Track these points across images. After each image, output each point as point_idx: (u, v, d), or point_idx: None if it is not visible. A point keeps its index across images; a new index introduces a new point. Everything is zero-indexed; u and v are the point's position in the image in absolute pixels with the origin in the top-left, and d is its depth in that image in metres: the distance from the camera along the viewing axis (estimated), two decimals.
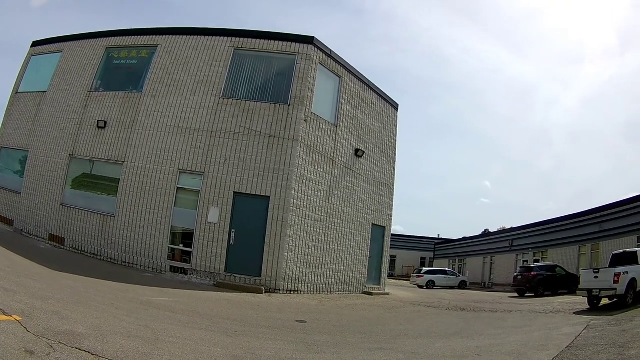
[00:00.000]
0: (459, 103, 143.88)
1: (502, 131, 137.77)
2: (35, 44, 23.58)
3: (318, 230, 17.62)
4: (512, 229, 49.90)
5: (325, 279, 17.98)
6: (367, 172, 20.56)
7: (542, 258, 38.75)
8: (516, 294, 28.48)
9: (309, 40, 17.82)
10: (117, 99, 18.84)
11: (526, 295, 27.34)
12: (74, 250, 17.79)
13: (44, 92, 21.31)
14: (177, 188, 16.98)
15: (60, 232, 18.38)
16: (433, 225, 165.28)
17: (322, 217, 17.86)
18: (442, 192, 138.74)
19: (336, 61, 19.00)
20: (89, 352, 5.50)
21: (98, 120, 18.68)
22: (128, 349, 6.04)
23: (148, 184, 17.16)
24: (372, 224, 20.99)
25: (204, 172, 16.67)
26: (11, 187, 21.27)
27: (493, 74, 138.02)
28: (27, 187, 20.25)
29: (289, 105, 16.96)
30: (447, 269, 47.29)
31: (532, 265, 30.81)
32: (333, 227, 18.45)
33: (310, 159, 17.23)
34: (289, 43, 17.75)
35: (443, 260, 62.33)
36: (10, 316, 6.27)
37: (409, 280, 43.74)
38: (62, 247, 18.08)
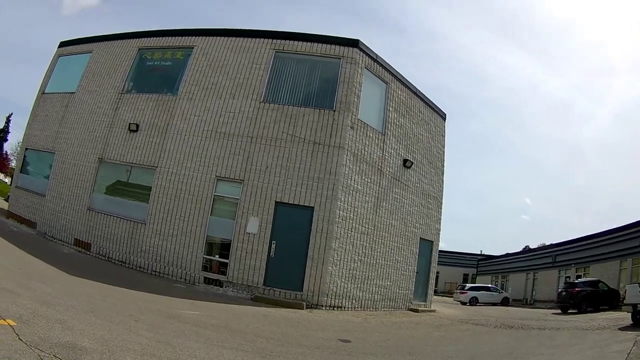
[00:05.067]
0: (498, 120, 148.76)
1: (539, 147, 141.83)
2: (63, 44, 24.03)
3: (364, 243, 17.38)
4: (553, 245, 50.38)
5: (370, 295, 17.70)
6: (415, 184, 20.34)
7: (584, 274, 38.83)
8: (559, 311, 28.60)
9: (353, 43, 17.70)
10: (150, 101, 18.99)
11: (569, 311, 27.32)
12: (100, 257, 17.87)
13: (72, 93, 21.63)
14: (214, 196, 16.88)
15: (87, 237, 18.51)
16: (474, 242, 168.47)
17: (369, 230, 17.62)
18: (482, 208, 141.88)
19: (382, 66, 18.92)
20: None
21: (130, 123, 18.80)
22: None
23: (183, 190, 17.11)
24: (420, 238, 20.73)
25: (243, 180, 16.56)
26: (35, 189, 21.58)
27: (529, 91, 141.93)
28: (52, 190, 20.48)
29: (334, 111, 16.82)
30: (489, 285, 47.59)
31: (576, 281, 30.94)
32: (380, 240, 18.20)
33: (357, 168, 17.07)
34: (333, 46, 17.66)
35: (486, 276, 62.94)
36: (4, 320, 6.05)
37: (452, 297, 44.09)
38: (88, 252, 18.13)
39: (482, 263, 68.39)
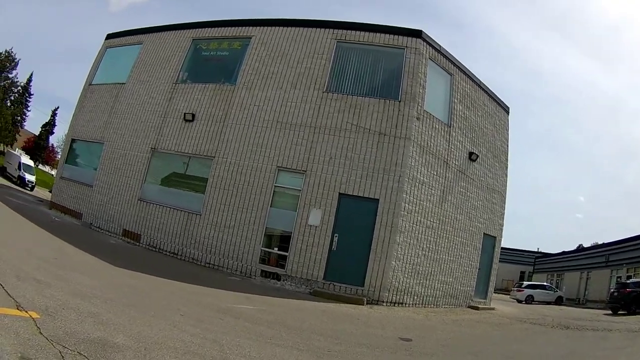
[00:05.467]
0: (551, 116, 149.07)
1: (593, 145, 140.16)
2: (110, 36, 24.00)
3: (429, 237, 16.64)
4: (605, 244, 49.42)
5: (432, 291, 16.96)
6: (480, 178, 19.53)
7: (634, 274, 37.91)
8: (610, 311, 27.82)
9: (417, 33, 17.12)
10: (206, 91, 18.63)
11: (619, 312, 26.56)
12: (150, 248, 17.67)
13: (122, 84, 21.46)
14: (275, 187, 16.45)
15: (136, 228, 18.33)
16: (528, 239, 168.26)
17: (434, 224, 16.88)
18: (536, 205, 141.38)
19: (446, 57, 18.22)
20: None
21: (185, 113, 18.51)
22: None
23: (241, 181, 16.75)
24: (484, 233, 19.89)
25: (305, 171, 16.08)
26: (81, 180, 21.51)
27: (583, 87, 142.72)
28: (100, 180, 20.34)
29: (399, 102, 16.20)
30: (545, 283, 47.00)
31: (628, 282, 29.92)
32: (445, 235, 17.44)
33: (423, 160, 16.35)
34: (396, 36, 17.13)
35: (542, 274, 62.20)
36: (25, 312, 5.53)
37: (509, 294, 43.65)
38: (137, 243, 17.98)
39: (539, 261, 67.65)
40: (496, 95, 20.96)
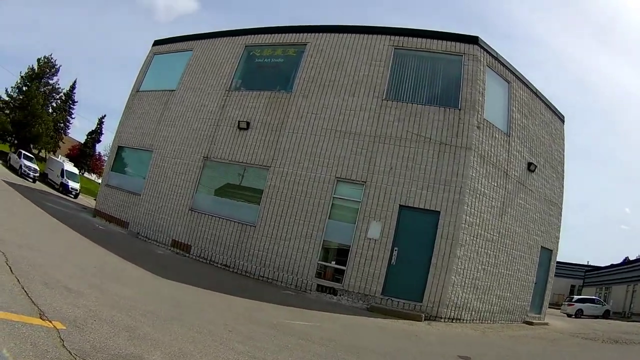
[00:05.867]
0: (596, 127, 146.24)
1: (637, 156, 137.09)
2: (157, 42, 23.83)
3: (489, 251, 16.01)
4: None
5: (490, 307, 16.35)
6: (538, 189, 18.86)
7: None
8: None
9: (473, 40, 16.60)
10: (261, 98, 18.27)
11: None
12: (201, 260, 17.24)
13: (172, 90, 21.21)
14: (333, 198, 15.95)
15: (187, 238, 17.92)
16: (576, 252, 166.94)
17: (494, 237, 16.26)
18: (581, 217, 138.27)
19: (503, 65, 17.62)
20: None
21: (239, 121, 18.15)
22: None
23: (298, 191, 16.30)
24: (541, 246, 19.18)
25: (365, 182, 15.55)
26: (128, 188, 21.27)
27: (628, 98, 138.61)
28: (148, 189, 20.06)
29: (459, 110, 15.65)
30: (594, 297, 46.24)
31: None
32: (504, 248, 16.80)
33: (484, 171, 15.77)
34: (453, 43, 16.66)
35: (591, 288, 61.49)
36: (49, 321, 5.13)
37: (560, 309, 42.57)
38: (187, 254, 17.57)
39: (588, 274, 66.72)
40: (552, 104, 20.35)
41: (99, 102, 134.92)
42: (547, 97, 19.87)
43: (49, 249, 10.60)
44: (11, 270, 7.00)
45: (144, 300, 8.07)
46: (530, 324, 18.34)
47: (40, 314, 5.28)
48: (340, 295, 14.87)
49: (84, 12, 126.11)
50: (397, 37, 17.20)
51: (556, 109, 20.59)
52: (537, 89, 19.21)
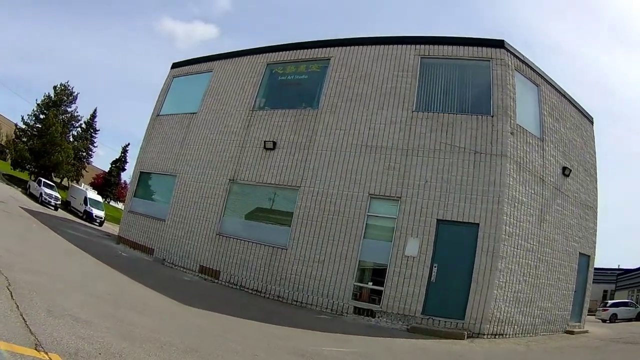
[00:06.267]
0: (622, 132, 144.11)
1: None
2: (175, 65, 23.50)
3: (529, 262, 15.20)
4: None
5: (531, 319, 15.50)
6: (574, 194, 18.14)
7: None
8: None
9: (499, 44, 15.92)
10: (287, 117, 17.80)
11: None
12: (230, 285, 16.65)
13: (193, 113, 20.83)
14: (368, 216, 15.21)
15: (215, 264, 17.37)
16: (607, 256, 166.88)
17: (534, 247, 15.47)
18: (610, 221, 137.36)
19: (531, 68, 16.96)
20: None
21: (265, 141, 17.67)
22: None
23: (331, 211, 15.63)
24: (579, 252, 18.39)
25: (400, 197, 14.84)
26: (152, 214, 20.86)
27: None
28: (173, 214, 19.58)
29: (492, 116, 14.89)
30: (627, 300, 45.74)
31: None
32: (544, 257, 16.01)
33: (521, 178, 15.03)
34: (479, 48, 15.95)
35: (623, 291, 60.41)
36: (45, 353, 4.63)
37: (594, 315, 41.93)
38: (216, 280, 17.02)
39: (620, 278, 65.46)
40: (580, 106, 19.66)
41: (123, 132, 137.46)
42: (575, 99, 19.19)
43: (60, 275, 10.18)
44: (11, 296, 6.54)
45: (162, 330, 7.47)
46: (571, 333, 17.61)
47: (36, 345, 4.78)
48: (378, 317, 14.10)
49: (103, 43, 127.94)
50: (422, 46, 16.64)
51: (584, 110, 19.88)
52: (565, 91, 18.54)
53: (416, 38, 16.99)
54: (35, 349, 4.65)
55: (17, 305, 6.07)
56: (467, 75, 16.17)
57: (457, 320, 13.41)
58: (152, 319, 8.39)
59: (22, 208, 26.14)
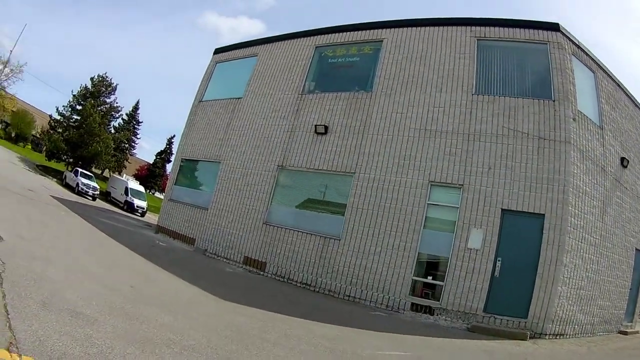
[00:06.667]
0: None
1: None
2: (218, 51, 23.10)
3: (592, 256, 14.35)
4: None
5: (590, 318, 14.63)
6: (631, 186, 17.37)
7: None
8: None
9: (554, 27, 15.12)
10: (339, 100, 17.21)
11: None
12: (277, 278, 15.96)
13: (239, 98, 20.35)
14: (428, 205, 14.38)
15: (261, 255, 16.79)
16: None
17: (597, 241, 14.62)
18: None
19: (587, 54, 16.13)
20: None
21: (316, 125, 17.06)
22: None
23: (387, 199, 14.83)
24: (635, 248, 17.54)
25: (462, 185, 13.97)
26: (194, 202, 20.41)
27: None
28: (217, 202, 19.10)
29: (554, 101, 14.00)
30: None
31: None
32: (604, 252, 15.15)
33: (584, 167, 14.20)
34: (535, 30, 15.15)
35: None
36: (18, 356, 3.88)
37: None
38: (262, 272, 16.45)
39: None
40: (633, 96, 18.82)
41: (169, 125, 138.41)
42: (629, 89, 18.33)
43: (75, 264, 9.23)
44: (0, 284, 5.75)
45: (187, 331, 6.43)
46: (625, 333, 16.74)
47: (10, 344, 4.05)
48: (437, 315, 13.23)
49: (148, 36, 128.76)
50: (477, 28, 15.88)
51: (638, 101, 19.02)
52: (619, 80, 17.70)
53: (471, 20, 16.23)
54: (7, 349, 3.94)
55: (4, 295, 5.36)
56: (524, 58, 15.47)
57: (520, 319, 12.53)
58: (177, 316, 7.36)
59: (53, 197, 25.64)
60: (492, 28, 15.76)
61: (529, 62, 15.40)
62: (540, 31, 15.18)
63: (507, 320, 12.55)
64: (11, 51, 61.20)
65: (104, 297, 6.97)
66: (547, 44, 14.93)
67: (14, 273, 6.48)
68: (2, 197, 16.26)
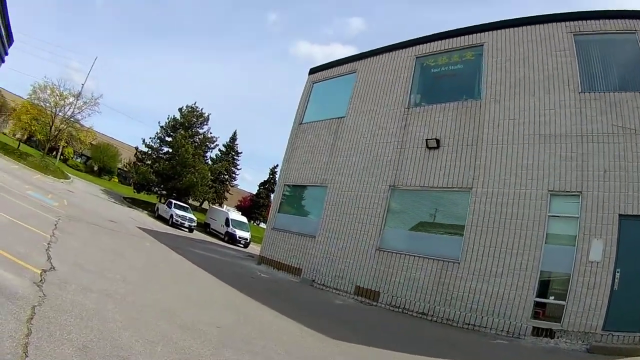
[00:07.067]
0: None
1: None
2: (313, 70, 25.36)
3: None
4: None
5: None
6: None
7: None
8: None
9: (638, 15, 16.30)
10: (448, 111, 18.98)
11: None
12: (391, 308, 17.19)
13: (341, 117, 22.45)
14: (548, 217, 15.32)
15: (374, 284, 18.22)
16: None
17: None
18: None
19: None
20: None
21: (427, 139, 18.80)
22: None
23: (507, 214, 15.97)
24: None
25: (580, 192, 14.95)
26: (299, 230, 22.30)
27: None
28: (325, 229, 20.99)
29: None
30: None
31: None
32: None
33: None
34: (624, 20, 16.49)
35: None
36: None
37: None
38: (375, 303, 17.66)
39: None
40: None
41: (271, 155, 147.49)
42: None
43: (146, 299, 9.12)
44: (29, 320, 5.63)
45: None
46: None
47: None
48: (557, 337, 13.87)
49: (242, 68, 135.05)
50: (572, 23, 17.39)
51: None
52: None
53: (564, 15, 17.73)
54: None
55: (29, 332, 5.28)
56: (618, 50, 16.87)
57: (638, 334, 13.01)
58: (261, 357, 7.16)
59: (139, 228, 27.38)
60: (586, 21, 17.23)
61: (622, 52, 16.76)
62: (628, 20, 16.42)
63: (627, 337, 13.03)
64: (83, 84, 65.91)
65: (175, 341, 6.63)
66: (635, 33, 16.14)
67: (54, 308, 6.30)
68: (76, 229, 16.80)
